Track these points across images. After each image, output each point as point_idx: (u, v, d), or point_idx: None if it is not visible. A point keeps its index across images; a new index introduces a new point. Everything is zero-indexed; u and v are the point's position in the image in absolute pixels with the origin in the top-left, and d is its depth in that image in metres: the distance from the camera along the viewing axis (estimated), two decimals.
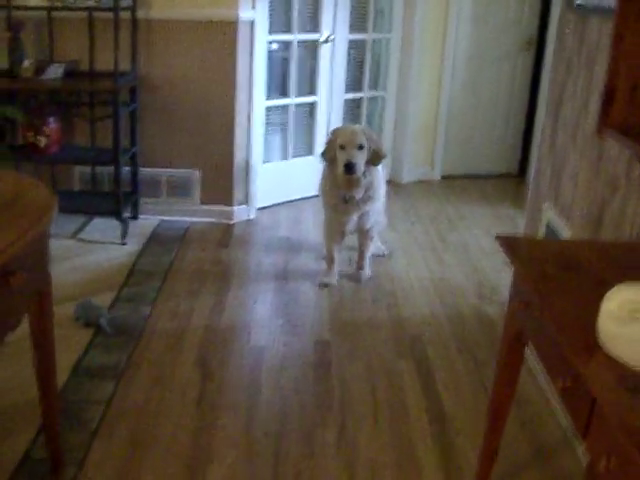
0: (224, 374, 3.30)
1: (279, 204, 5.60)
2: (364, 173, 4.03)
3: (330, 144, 4.09)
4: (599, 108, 2.35)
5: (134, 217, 5.13)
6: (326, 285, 4.21)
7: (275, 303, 4.03)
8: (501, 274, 4.37)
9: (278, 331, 3.71)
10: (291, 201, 5.67)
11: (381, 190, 4.30)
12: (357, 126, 4.26)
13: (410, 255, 4.78)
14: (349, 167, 3.93)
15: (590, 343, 1.67)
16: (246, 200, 5.28)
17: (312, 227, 5.12)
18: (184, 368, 3.33)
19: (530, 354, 3.38)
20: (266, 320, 3.83)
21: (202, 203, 5.23)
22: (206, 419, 2.97)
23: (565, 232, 3.21)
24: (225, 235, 4.99)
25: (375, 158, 4.06)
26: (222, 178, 5.16)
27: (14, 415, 2.94)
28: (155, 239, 4.88)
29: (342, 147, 3.99)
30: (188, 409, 3.03)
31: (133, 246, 4.72)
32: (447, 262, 4.70)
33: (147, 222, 5.12)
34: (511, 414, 2.85)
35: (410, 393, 3.22)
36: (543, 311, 1.87)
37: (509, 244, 2.28)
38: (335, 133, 4.14)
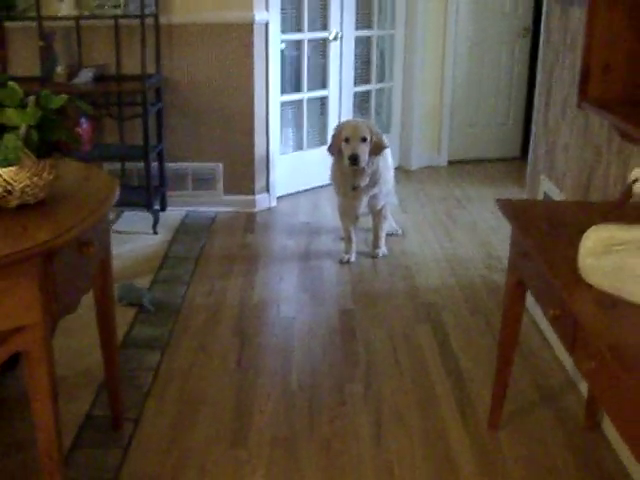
0: (259, 341, 3.67)
1: (297, 192, 5.97)
2: (368, 162, 4.39)
3: (335, 138, 4.43)
4: (578, 85, 2.71)
5: (162, 209, 5.49)
6: (347, 261, 4.58)
7: (300, 279, 4.40)
8: (507, 247, 4.69)
9: (305, 303, 4.08)
10: (308, 189, 6.04)
11: (389, 174, 4.68)
12: (360, 120, 4.67)
13: (422, 233, 5.14)
14: (354, 158, 4.29)
15: (573, 276, 2.03)
16: (267, 189, 5.65)
17: (329, 212, 5.48)
18: (223, 337, 3.70)
19: (533, 308, 3.75)
20: (293, 294, 4.20)
21: (226, 194, 5.60)
22: (246, 378, 3.33)
23: (559, 198, 3.57)
24: (249, 222, 5.37)
25: (377, 148, 4.40)
26: (243, 170, 5.53)
27: (76, 380, 3.30)
28: (184, 228, 5.25)
29: (347, 140, 4.34)
30: (229, 371, 3.40)
31: (164, 235, 5.09)
32: (457, 238, 5.06)
33: (175, 213, 5.49)
34: (518, 362, 3.24)
35: (428, 351, 3.58)
36: (536, 255, 2.23)
37: (507, 206, 2.65)
38: (340, 128, 4.48)
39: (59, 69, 5.05)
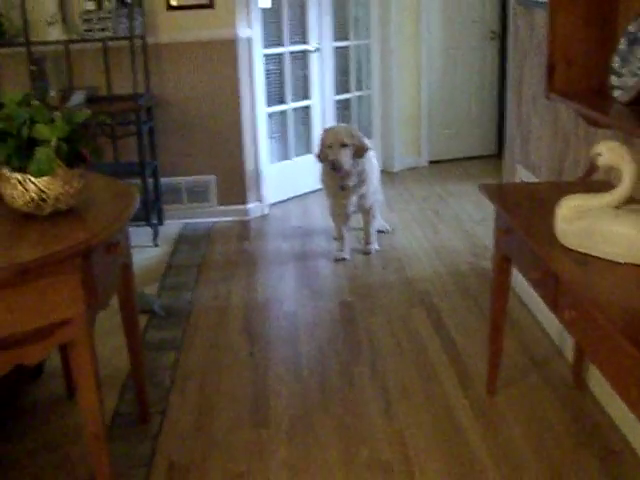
0: (267, 335, 3.93)
1: (288, 199, 6.24)
2: (354, 163, 4.68)
3: (321, 144, 4.73)
4: (545, 78, 3.00)
5: (160, 223, 5.73)
6: (342, 259, 4.84)
7: (299, 278, 4.66)
8: (490, 236, 4.98)
9: (306, 298, 4.34)
10: (298, 195, 6.31)
11: (374, 174, 4.96)
12: (341, 126, 4.94)
13: (410, 229, 5.42)
14: (334, 164, 4.59)
15: (551, 241, 2.32)
16: (259, 198, 5.91)
17: (320, 215, 5.74)
18: (232, 335, 3.95)
19: (518, 285, 4.03)
20: (294, 291, 4.46)
21: (220, 204, 5.86)
22: (260, 368, 3.59)
23: None
24: (244, 230, 5.63)
25: (360, 151, 4.67)
26: (235, 180, 5.80)
27: (102, 381, 3.53)
28: (183, 239, 5.50)
29: (329, 146, 4.63)
30: (243, 363, 3.65)
31: (165, 247, 5.34)
32: (443, 231, 5.35)
33: (173, 226, 5.74)
34: (508, 335, 3.52)
35: (425, 333, 3.85)
36: (518, 228, 2.51)
37: (490, 189, 2.93)
38: (323, 134, 4.79)
39: (52, 92, 5.28)
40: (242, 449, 2.99)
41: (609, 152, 2.22)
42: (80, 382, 2.37)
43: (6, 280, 2.12)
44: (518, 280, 4.03)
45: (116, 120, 5.54)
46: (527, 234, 2.44)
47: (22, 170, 2.41)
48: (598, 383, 3.17)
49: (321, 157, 4.77)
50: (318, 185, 5.88)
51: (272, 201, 6.08)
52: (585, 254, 2.23)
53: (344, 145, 4.60)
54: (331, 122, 6.42)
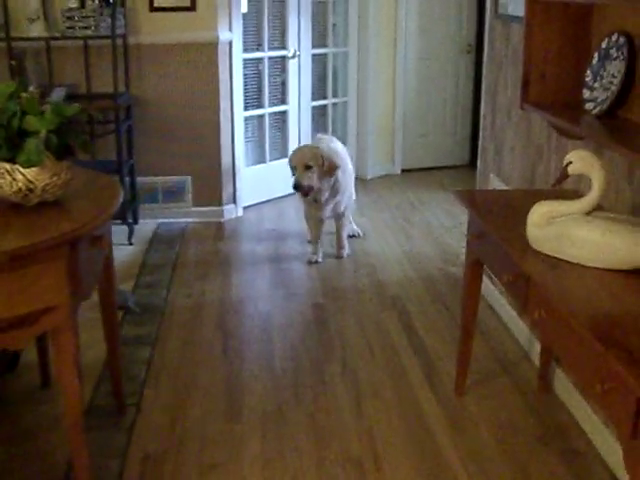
0: (241, 333, 4.00)
1: (262, 202, 6.30)
2: (325, 180, 4.75)
3: (290, 166, 4.81)
4: (520, 90, 3.11)
5: (135, 222, 5.75)
6: (315, 262, 4.92)
7: (272, 279, 4.73)
8: (461, 243, 5.11)
9: (279, 299, 4.42)
10: (272, 199, 6.38)
11: (348, 182, 5.05)
12: (308, 147, 4.91)
13: (381, 235, 5.52)
14: (295, 187, 4.72)
15: (523, 245, 2.41)
16: (233, 200, 5.98)
17: (294, 219, 5.82)
18: (207, 332, 4.01)
19: (488, 292, 4.13)
20: (267, 292, 4.53)
21: (195, 205, 5.91)
22: (233, 365, 3.65)
23: None
24: (219, 231, 5.69)
25: (330, 170, 4.73)
26: (211, 182, 5.86)
27: None
28: (158, 238, 5.55)
29: (294, 168, 4.73)
30: (217, 359, 3.71)
31: (140, 246, 5.38)
32: (414, 238, 5.45)
33: (147, 225, 5.77)
34: (478, 340, 3.62)
35: (395, 335, 3.94)
36: (491, 232, 2.61)
37: (463, 195, 3.03)
38: (291, 154, 4.90)
39: (32, 88, 5.29)
40: (216, 442, 3.05)
41: (580, 161, 2.33)
42: (62, 370, 2.42)
43: None
44: (488, 288, 4.14)
45: (95, 118, 5.58)
46: (500, 238, 2.54)
47: (11, 160, 2.46)
48: (563, 387, 3.28)
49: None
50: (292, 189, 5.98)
51: (247, 203, 6.15)
52: (555, 258, 2.34)
53: (308, 167, 4.66)
54: (307, 127, 6.51)
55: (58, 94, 5.28)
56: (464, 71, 7.51)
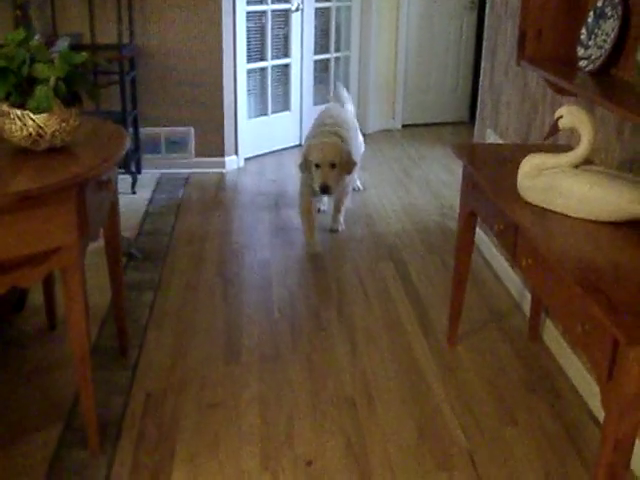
0: (241, 280, 4.11)
1: (263, 154, 6.39)
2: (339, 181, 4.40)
3: (306, 161, 4.38)
4: (516, 46, 3.18)
5: (138, 172, 5.85)
6: (318, 211, 4.96)
7: (272, 228, 4.84)
8: (458, 197, 5.19)
9: (278, 247, 4.53)
10: (274, 151, 6.47)
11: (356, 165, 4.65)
12: (328, 143, 4.40)
13: (381, 188, 5.61)
14: (324, 189, 4.28)
15: (514, 196, 2.51)
16: (235, 151, 6.06)
17: (294, 171, 5.89)
18: (208, 277, 4.13)
19: (483, 244, 4.24)
20: (267, 240, 4.64)
21: (197, 156, 6.00)
22: (233, 310, 3.77)
23: None
24: (220, 181, 5.79)
25: (348, 167, 4.42)
26: (213, 133, 5.94)
27: None
28: (160, 188, 5.64)
29: (317, 166, 4.29)
30: (217, 304, 3.83)
31: (143, 195, 5.47)
32: (412, 191, 5.55)
33: (150, 175, 5.87)
34: (471, 291, 3.75)
35: (392, 284, 4.06)
36: (484, 183, 2.71)
37: (460, 147, 3.12)
38: (309, 150, 4.38)
39: (37, 38, 5.35)
40: (215, 383, 3.18)
41: (570, 115, 2.41)
42: (70, 307, 2.54)
43: (5, 207, 2.27)
44: (482, 240, 4.25)
45: (103, 67, 5.63)
46: (492, 189, 2.64)
47: (21, 107, 2.54)
48: (551, 336, 3.40)
49: (303, 169, 4.48)
50: (293, 142, 6.10)
51: (248, 155, 6.23)
52: (543, 208, 2.44)
53: (333, 165, 4.31)
54: (309, 81, 6.58)
55: (62, 44, 5.34)
56: (467, 28, 7.55)
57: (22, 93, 2.55)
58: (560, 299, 2.13)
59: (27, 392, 3.09)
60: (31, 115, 2.54)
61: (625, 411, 1.83)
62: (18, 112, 2.54)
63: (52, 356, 3.34)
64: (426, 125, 7.54)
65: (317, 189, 4.30)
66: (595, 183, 2.34)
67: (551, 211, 2.42)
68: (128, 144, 2.85)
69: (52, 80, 2.55)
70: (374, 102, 7.24)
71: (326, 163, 4.28)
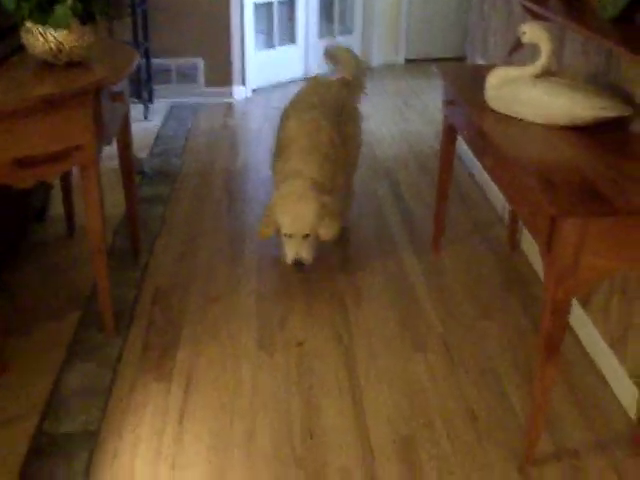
0: (245, 195, 4.45)
1: (270, 86, 6.67)
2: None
3: (269, 222, 3.36)
4: None
5: (150, 101, 6.14)
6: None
7: None
8: None
9: None
10: (280, 83, 6.74)
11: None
12: (304, 205, 3.26)
13: (381, 116, 5.90)
14: (298, 264, 3.29)
15: (482, 105, 2.82)
16: (243, 82, 6.35)
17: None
18: (215, 192, 4.46)
19: (470, 160, 4.54)
20: (270, 161, 4.93)
21: (206, 86, 6.29)
22: (237, 220, 4.11)
23: None
24: (229, 109, 6.09)
25: (331, 230, 3.35)
26: (222, 64, 6.23)
27: None
28: (172, 115, 5.95)
29: (288, 236, 3.29)
30: (222, 216, 4.17)
31: (155, 121, 5.79)
32: (411, 120, 5.83)
33: (162, 104, 6.17)
34: (456, 204, 4.08)
35: (384, 200, 4.39)
36: (457, 97, 3.00)
37: (442, 68, 3.41)
38: (275, 208, 3.31)
39: None
40: (218, 280, 3.53)
41: (532, 31, 2.70)
42: (88, 201, 2.87)
43: (31, 109, 2.59)
44: (469, 157, 4.54)
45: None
46: (464, 100, 2.94)
47: (43, 24, 2.84)
48: (529, 245, 3.71)
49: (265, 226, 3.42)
50: (299, 74, 6.37)
51: (255, 86, 6.51)
52: (507, 115, 2.73)
53: (308, 234, 3.28)
54: (315, 16, 6.82)
55: None
56: None
57: (43, 12, 2.84)
58: (515, 190, 2.44)
59: (49, 285, 3.45)
60: (52, 31, 2.84)
61: (562, 277, 2.15)
62: (40, 29, 2.84)
63: (71, 257, 3.70)
64: (429, 60, 7.73)
65: (288, 262, 3.30)
66: (553, 91, 2.63)
67: (514, 118, 2.71)
68: (137, 60, 3.16)
69: (70, 0, 2.84)
70: (378, 36, 7.47)
71: (299, 235, 3.27)
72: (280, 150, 3.56)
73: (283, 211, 3.26)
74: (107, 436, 2.57)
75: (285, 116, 3.76)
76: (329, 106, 3.67)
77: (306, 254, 3.26)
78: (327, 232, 3.30)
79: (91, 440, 2.54)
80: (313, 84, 3.96)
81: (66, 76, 2.82)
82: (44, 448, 2.51)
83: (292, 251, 3.26)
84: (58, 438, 2.56)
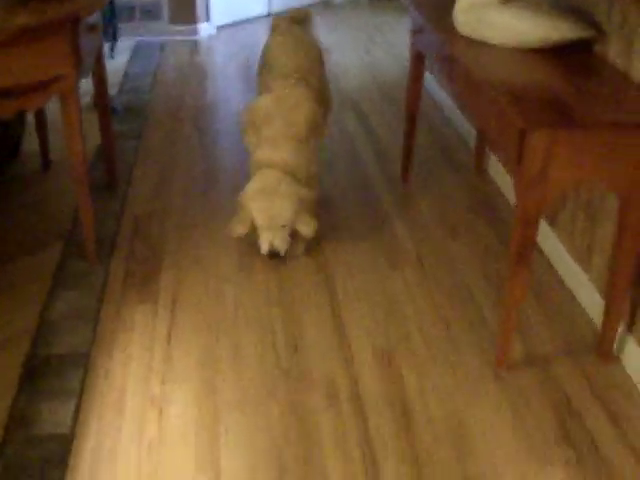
0: (215, 129, 4.52)
1: (235, 23, 6.67)
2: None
3: (244, 218, 3.20)
4: None
5: (115, 39, 6.12)
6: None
7: (244, 86, 5.19)
8: None
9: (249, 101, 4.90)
10: (244, 20, 6.74)
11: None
12: (280, 197, 3.11)
13: (345, 51, 5.96)
14: (274, 255, 3.14)
15: (451, 31, 2.91)
16: (207, 18, 6.34)
17: (264, 38, 6.20)
18: (185, 126, 4.53)
19: (435, 90, 4.65)
20: (239, 97, 5.00)
21: (171, 23, 6.28)
22: (209, 151, 4.20)
23: None
24: (194, 47, 6.11)
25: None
26: (186, 1, 6.20)
27: None
28: (138, 53, 5.95)
29: (263, 227, 3.14)
30: (194, 148, 4.24)
31: (121, 59, 5.80)
32: (376, 54, 5.90)
33: (127, 42, 6.16)
34: (424, 132, 4.21)
35: (354, 131, 4.48)
36: (426, 23, 3.09)
37: None
38: (250, 209, 3.16)
39: None
40: (194, 209, 3.62)
41: None
42: (68, 131, 2.93)
43: (9, 40, 2.64)
44: (434, 86, 4.65)
45: None
46: (433, 26, 3.03)
47: None
48: (495, 168, 3.84)
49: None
50: (262, 12, 6.38)
51: (220, 23, 6.51)
52: (475, 40, 2.83)
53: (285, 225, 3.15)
54: None
55: None
56: None
57: None
58: (484, 111, 2.55)
59: (29, 218, 3.52)
60: None
61: (531, 187, 2.26)
62: None
63: (48, 191, 3.76)
64: None
65: (263, 252, 3.15)
66: (520, 15, 2.73)
67: (482, 42, 2.81)
68: None
69: None
70: None
71: (275, 227, 3.13)
72: (257, 129, 3.34)
73: (259, 208, 3.11)
74: (98, 356, 2.67)
75: (262, 83, 3.66)
76: (306, 69, 3.52)
77: (280, 243, 3.12)
78: (307, 229, 3.18)
79: (83, 360, 2.64)
80: (281, 40, 3.73)
81: (42, 9, 2.85)
82: (37, 369, 2.61)
83: (266, 242, 3.12)
84: (51, 359, 2.65)
